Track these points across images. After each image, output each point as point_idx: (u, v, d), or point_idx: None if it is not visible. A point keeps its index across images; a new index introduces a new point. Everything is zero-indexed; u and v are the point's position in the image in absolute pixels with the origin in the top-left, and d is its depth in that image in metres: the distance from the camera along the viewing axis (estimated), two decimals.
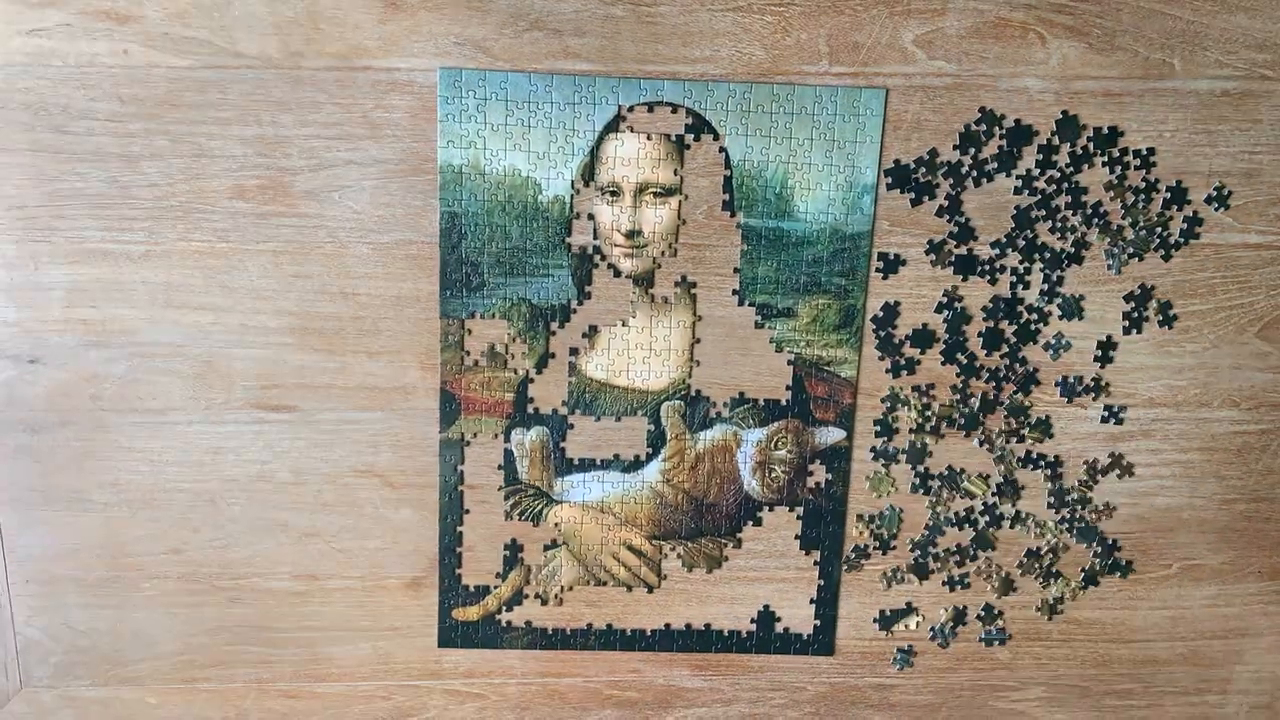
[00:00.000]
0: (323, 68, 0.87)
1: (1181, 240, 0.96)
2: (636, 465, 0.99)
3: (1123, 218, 0.95)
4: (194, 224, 0.90)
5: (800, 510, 1.02)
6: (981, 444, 1.01)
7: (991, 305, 0.97)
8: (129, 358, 0.94)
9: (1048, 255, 0.96)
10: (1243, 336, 0.99)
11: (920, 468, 1.01)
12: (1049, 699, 1.10)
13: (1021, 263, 0.96)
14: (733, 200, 0.93)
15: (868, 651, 1.07)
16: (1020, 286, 0.97)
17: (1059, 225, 0.95)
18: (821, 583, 1.04)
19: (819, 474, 1.01)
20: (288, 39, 0.86)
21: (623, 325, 0.96)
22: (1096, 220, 0.95)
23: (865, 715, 1.09)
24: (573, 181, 0.92)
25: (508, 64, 0.88)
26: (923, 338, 0.98)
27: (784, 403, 0.98)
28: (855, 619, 1.06)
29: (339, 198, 0.90)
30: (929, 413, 0.99)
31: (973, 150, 0.93)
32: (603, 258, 0.94)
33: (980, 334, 0.98)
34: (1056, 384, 0.99)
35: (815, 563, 1.03)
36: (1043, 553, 1.05)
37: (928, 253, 0.95)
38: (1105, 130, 0.92)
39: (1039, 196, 0.94)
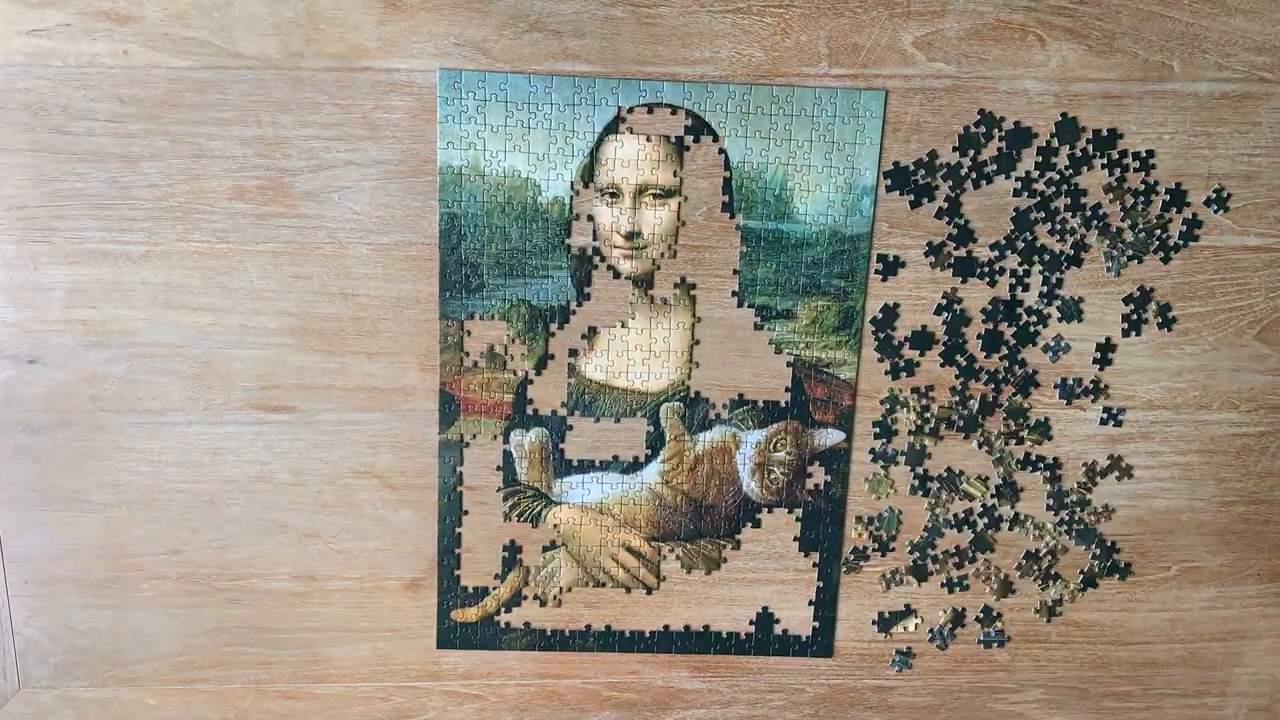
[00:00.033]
0: (322, 68, 0.87)
1: (1181, 242, 0.96)
2: (635, 467, 0.99)
3: (1122, 220, 0.95)
4: (194, 224, 0.91)
5: (799, 512, 1.01)
6: (980, 446, 1.01)
7: (991, 307, 0.97)
8: (129, 358, 0.94)
9: (1047, 257, 0.96)
10: (1242, 339, 0.99)
11: (919, 469, 1.01)
12: (1048, 701, 1.10)
13: (1021, 265, 0.96)
14: (732, 202, 0.93)
15: (866, 653, 1.07)
16: (1019, 288, 0.97)
17: (1058, 227, 0.95)
18: (820, 584, 1.04)
19: (818, 476, 1.01)
20: (288, 39, 0.86)
21: (622, 327, 0.96)
22: (1096, 222, 0.95)
23: (864, 717, 1.09)
24: (572, 183, 0.92)
25: (507, 65, 0.88)
26: (922, 340, 0.98)
27: (783, 404, 0.98)
28: (854, 621, 1.06)
29: (339, 198, 0.91)
30: (928, 414, 0.99)
31: (972, 152, 0.93)
32: (602, 259, 0.94)
33: (979, 336, 0.98)
34: (1055, 386, 0.99)
35: (814, 564, 1.03)
36: (1041, 555, 1.04)
37: (927, 255, 0.95)
38: (1104, 132, 0.92)
39: (1038, 198, 0.94)
